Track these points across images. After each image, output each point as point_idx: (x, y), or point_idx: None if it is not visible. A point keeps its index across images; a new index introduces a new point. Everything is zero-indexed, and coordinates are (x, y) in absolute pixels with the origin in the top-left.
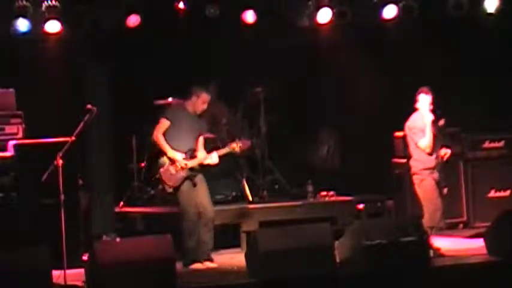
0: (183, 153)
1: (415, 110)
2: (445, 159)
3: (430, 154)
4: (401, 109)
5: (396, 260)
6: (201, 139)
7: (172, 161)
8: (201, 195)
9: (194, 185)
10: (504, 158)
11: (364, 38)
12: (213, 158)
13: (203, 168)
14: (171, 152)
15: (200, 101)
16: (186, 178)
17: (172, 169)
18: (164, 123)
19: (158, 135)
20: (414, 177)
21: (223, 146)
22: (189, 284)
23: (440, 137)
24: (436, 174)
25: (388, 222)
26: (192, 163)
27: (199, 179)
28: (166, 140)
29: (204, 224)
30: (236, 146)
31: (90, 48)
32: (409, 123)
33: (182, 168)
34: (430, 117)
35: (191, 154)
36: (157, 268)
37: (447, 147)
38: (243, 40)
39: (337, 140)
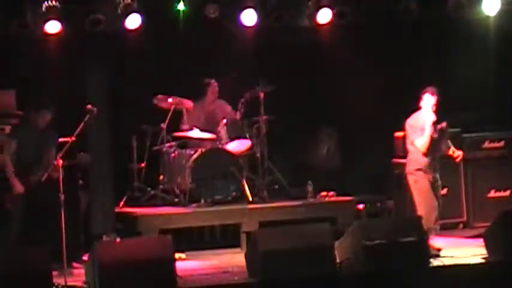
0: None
1: (418, 108)
2: (458, 160)
3: (426, 155)
4: (401, 109)
5: (396, 260)
6: (51, 152)
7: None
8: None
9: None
10: (504, 158)
11: (364, 37)
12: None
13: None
14: (13, 178)
15: (40, 117)
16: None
17: None
18: (10, 144)
19: (6, 159)
20: (409, 177)
21: None
22: (189, 284)
23: (444, 140)
24: (430, 175)
25: (388, 222)
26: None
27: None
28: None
29: None
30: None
31: (90, 48)
32: (409, 121)
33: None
34: (432, 117)
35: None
36: (157, 268)
37: (459, 149)
38: (243, 40)
39: (337, 140)
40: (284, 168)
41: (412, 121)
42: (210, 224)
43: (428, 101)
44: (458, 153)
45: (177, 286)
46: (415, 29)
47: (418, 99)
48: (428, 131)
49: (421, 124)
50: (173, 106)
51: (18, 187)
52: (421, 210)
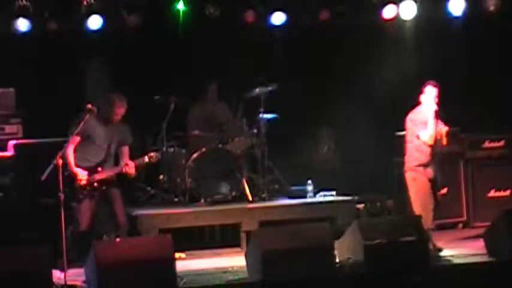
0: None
1: (418, 103)
2: (444, 133)
3: (431, 148)
4: (401, 109)
5: (396, 260)
6: (124, 149)
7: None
8: (115, 208)
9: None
10: (504, 158)
11: (364, 37)
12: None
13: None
14: (74, 169)
15: (114, 109)
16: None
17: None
18: (74, 139)
19: (67, 152)
20: (407, 174)
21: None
22: (189, 284)
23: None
24: (430, 172)
25: (388, 222)
26: (99, 176)
27: (114, 192)
28: (78, 154)
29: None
30: (153, 157)
31: (89, 48)
32: (411, 115)
33: (84, 184)
34: (433, 107)
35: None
36: (157, 268)
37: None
38: (243, 40)
39: (337, 140)
40: (284, 167)
41: (413, 116)
42: (210, 223)
43: (429, 93)
44: (445, 128)
45: (177, 286)
46: (414, 27)
47: (419, 93)
48: (431, 122)
49: (423, 118)
50: (173, 106)
51: (81, 173)
52: (416, 209)
